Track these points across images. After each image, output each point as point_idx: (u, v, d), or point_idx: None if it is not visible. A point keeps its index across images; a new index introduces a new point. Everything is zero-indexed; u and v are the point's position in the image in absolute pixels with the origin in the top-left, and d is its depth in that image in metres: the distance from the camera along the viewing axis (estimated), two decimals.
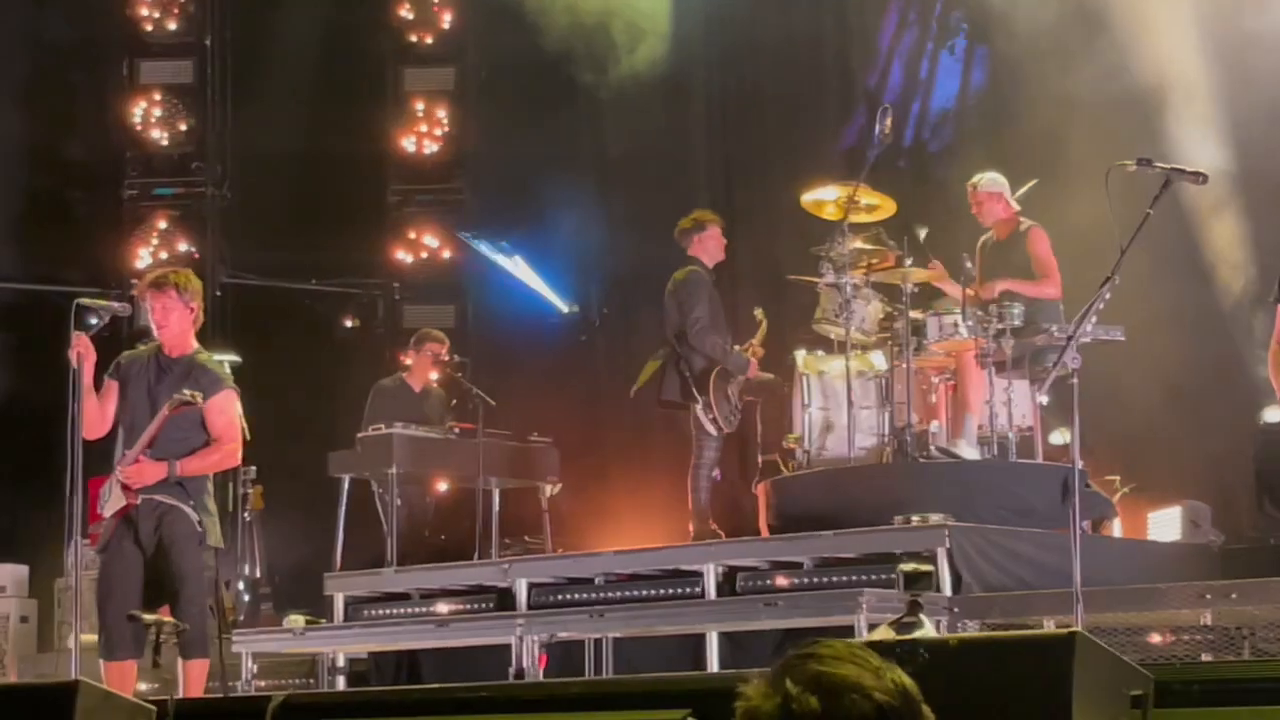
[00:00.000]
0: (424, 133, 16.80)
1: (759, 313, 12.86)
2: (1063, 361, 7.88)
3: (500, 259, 16.24)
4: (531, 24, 15.40)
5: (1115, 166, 7.88)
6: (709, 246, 12.51)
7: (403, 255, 16.81)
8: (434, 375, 13.99)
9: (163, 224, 16.68)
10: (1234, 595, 8.88)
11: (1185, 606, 9.01)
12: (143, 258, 16.22)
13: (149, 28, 16.87)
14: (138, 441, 8.94)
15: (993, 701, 4.85)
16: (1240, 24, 12.23)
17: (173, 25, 16.84)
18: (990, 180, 11.70)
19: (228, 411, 9.14)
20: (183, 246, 16.54)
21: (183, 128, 16.77)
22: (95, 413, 9.07)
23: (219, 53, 17.00)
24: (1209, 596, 8.94)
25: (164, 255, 16.20)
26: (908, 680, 2.84)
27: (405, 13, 16.86)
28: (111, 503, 8.99)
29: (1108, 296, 7.88)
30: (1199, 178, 7.96)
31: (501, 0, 15.91)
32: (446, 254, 16.63)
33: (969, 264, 11.35)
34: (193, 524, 8.92)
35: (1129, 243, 7.86)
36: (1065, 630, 5.08)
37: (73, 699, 6.50)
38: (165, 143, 16.77)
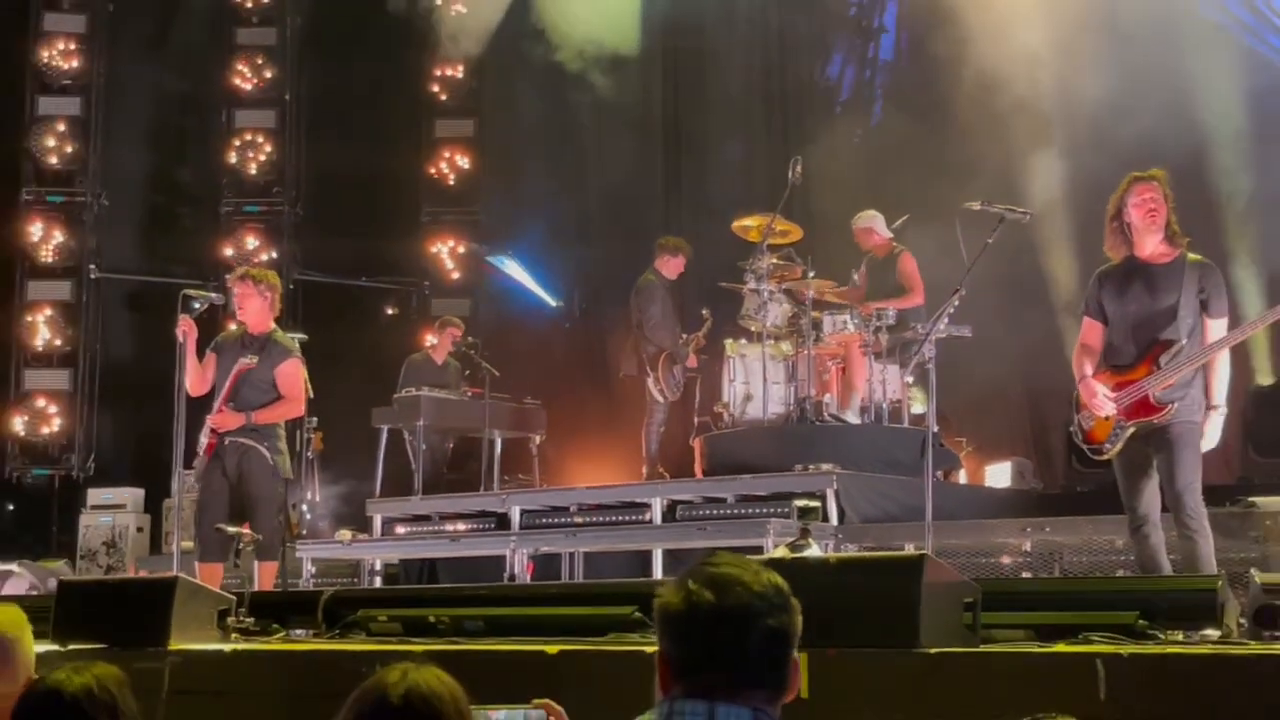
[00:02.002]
0: (448, 169, 16.78)
1: (705, 312, 12.90)
2: (921, 352, 7.93)
3: (503, 265, 16.23)
4: (533, 87, 15.41)
5: (964, 207, 7.89)
6: (671, 267, 12.59)
7: (431, 260, 16.79)
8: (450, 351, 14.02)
9: (251, 233, 16.66)
10: (1048, 529, 8.96)
11: (1011, 537, 9.07)
12: (235, 258, 16.17)
13: (243, 84, 16.84)
14: (220, 396, 9.00)
15: (862, 605, 4.88)
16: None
17: (260, 84, 16.83)
18: (862, 219, 11.74)
19: (293, 375, 9.19)
20: (265, 251, 16.51)
21: (266, 161, 16.73)
22: (197, 376, 9.13)
23: (295, 104, 16.99)
24: (1029, 530, 9.01)
25: (250, 257, 16.17)
26: (780, 579, 2.90)
27: (437, 76, 16.84)
28: (203, 442, 9.03)
29: (956, 304, 7.92)
30: (1025, 216, 7.98)
31: (511, 68, 15.93)
32: (463, 262, 16.62)
33: (855, 276, 11.38)
34: (267, 460, 8.96)
35: (973, 263, 7.89)
36: (917, 553, 5.10)
37: (172, 590, 6.53)
38: (253, 171, 16.73)
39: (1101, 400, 6.94)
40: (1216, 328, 6.95)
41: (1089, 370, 7.14)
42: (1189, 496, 6.77)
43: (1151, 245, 7.02)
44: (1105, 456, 7.03)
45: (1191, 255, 7.04)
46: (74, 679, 3.54)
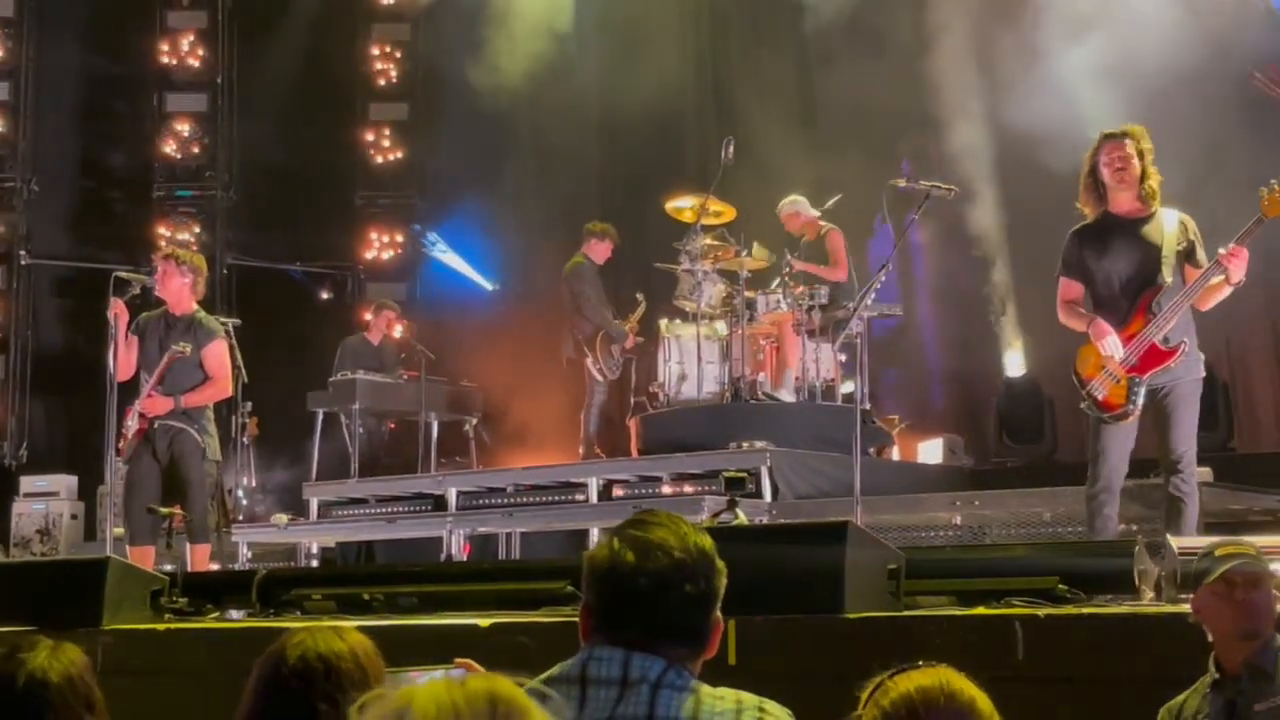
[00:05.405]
0: (384, 152, 16.73)
1: (639, 296, 12.95)
2: (850, 329, 8.00)
3: (436, 252, 16.23)
4: (466, 71, 15.37)
5: (889, 184, 7.95)
6: (599, 251, 12.61)
7: (366, 245, 16.75)
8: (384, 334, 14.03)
9: (184, 220, 16.54)
10: (977, 502, 9.10)
11: (942, 511, 9.21)
12: (167, 242, 16.04)
13: (173, 62, 16.69)
14: (149, 381, 8.98)
15: (787, 571, 4.97)
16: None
17: (192, 63, 16.70)
18: (786, 205, 11.84)
19: (219, 355, 9.16)
20: (198, 234, 16.41)
21: (198, 145, 16.62)
22: (125, 359, 9.07)
23: (226, 87, 16.84)
24: (959, 503, 9.14)
25: (184, 244, 16.04)
26: (707, 541, 2.93)
27: (371, 57, 16.77)
28: (131, 426, 9.01)
29: (883, 279, 7.97)
30: (950, 192, 8.02)
31: (444, 53, 15.88)
32: (398, 246, 16.59)
33: (789, 257, 11.46)
34: (197, 442, 8.93)
35: (900, 239, 7.98)
36: (841, 520, 5.20)
37: (104, 571, 6.56)
38: (185, 155, 16.61)
39: (1112, 342, 6.87)
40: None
41: (1085, 311, 7.09)
42: (1191, 456, 6.81)
43: (1127, 202, 7.02)
44: (1131, 419, 6.85)
45: (1166, 210, 7.07)
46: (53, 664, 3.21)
